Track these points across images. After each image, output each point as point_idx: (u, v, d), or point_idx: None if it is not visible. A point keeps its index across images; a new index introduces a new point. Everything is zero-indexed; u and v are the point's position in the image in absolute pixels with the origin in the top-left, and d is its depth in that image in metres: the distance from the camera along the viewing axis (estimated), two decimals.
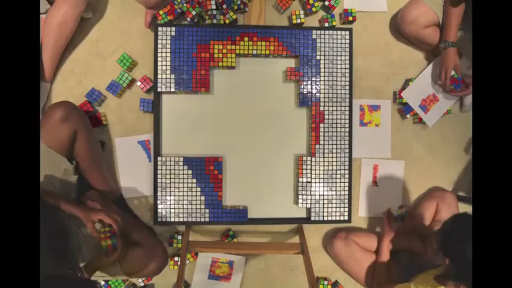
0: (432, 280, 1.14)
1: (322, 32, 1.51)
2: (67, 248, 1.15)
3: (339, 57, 1.52)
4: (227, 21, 1.54)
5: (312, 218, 1.50)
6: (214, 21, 1.54)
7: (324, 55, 1.51)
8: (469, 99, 1.65)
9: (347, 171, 1.52)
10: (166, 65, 1.47)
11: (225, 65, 1.47)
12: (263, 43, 1.49)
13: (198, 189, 1.48)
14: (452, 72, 1.53)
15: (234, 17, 1.54)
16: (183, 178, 1.48)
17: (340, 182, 1.52)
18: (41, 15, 1.43)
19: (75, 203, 1.23)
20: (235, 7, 1.55)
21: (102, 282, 1.57)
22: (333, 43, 1.52)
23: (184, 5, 1.51)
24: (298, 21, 1.58)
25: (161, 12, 1.51)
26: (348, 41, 1.52)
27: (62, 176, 1.32)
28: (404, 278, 1.25)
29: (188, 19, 1.53)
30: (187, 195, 1.48)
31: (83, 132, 1.34)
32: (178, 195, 1.48)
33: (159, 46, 1.47)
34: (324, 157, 1.51)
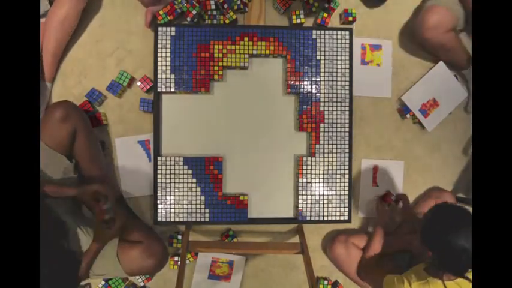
0: (423, 271, 1.16)
1: (322, 32, 1.51)
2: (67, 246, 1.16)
3: (339, 57, 1.52)
4: (227, 21, 1.54)
5: (312, 218, 1.51)
6: (215, 21, 1.54)
7: (324, 55, 1.51)
8: None
9: (347, 171, 1.52)
10: (166, 65, 1.47)
11: (225, 65, 1.47)
12: (263, 43, 1.48)
13: (198, 189, 1.48)
14: None
15: (234, 17, 1.54)
16: (183, 178, 1.48)
17: (340, 182, 1.52)
18: (41, 19, 1.43)
19: (62, 185, 1.27)
20: (235, 7, 1.55)
21: (103, 282, 1.57)
22: (333, 43, 1.51)
23: (185, 5, 1.51)
24: (298, 21, 1.58)
25: (161, 12, 1.51)
26: (348, 41, 1.52)
27: (61, 175, 1.32)
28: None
29: (188, 19, 1.53)
30: (187, 195, 1.48)
31: (83, 131, 1.35)
32: (178, 195, 1.48)
33: (159, 46, 1.47)
34: (324, 157, 1.51)
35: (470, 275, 1.06)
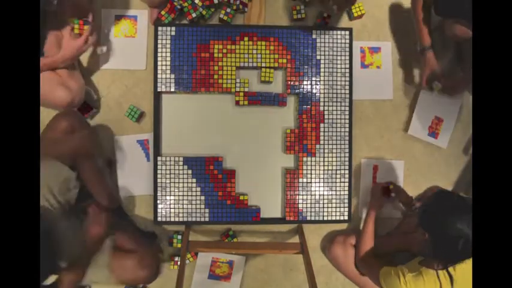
0: (417, 264, 1.18)
1: (322, 31, 1.51)
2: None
3: (339, 57, 1.52)
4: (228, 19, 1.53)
5: (312, 218, 1.51)
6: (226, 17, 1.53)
7: (324, 55, 1.51)
8: None
9: (347, 171, 1.52)
10: (166, 65, 1.47)
11: (225, 64, 1.47)
12: (263, 43, 1.48)
13: (198, 189, 1.48)
14: (436, 83, 1.51)
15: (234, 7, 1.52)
16: (183, 178, 1.48)
17: (340, 182, 1.52)
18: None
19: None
20: (235, 7, 1.55)
21: None
22: (333, 43, 1.51)
23: (186, 4, 1.50)
24: (299, 16, 1.57)
25: (163, 12, 1.51)
26: (348, 41, 1.52)
27: (60, 186, 1.30)
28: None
29: (187, 19, 1.53)
30: (187, 195, 1.48)
31: (87, 143, 1.33)
32: (178, 195, 1.48)
33: (159, 46, 1.47)
34: (324, 157, 1.51)
35: (466, 265, 1.08)
